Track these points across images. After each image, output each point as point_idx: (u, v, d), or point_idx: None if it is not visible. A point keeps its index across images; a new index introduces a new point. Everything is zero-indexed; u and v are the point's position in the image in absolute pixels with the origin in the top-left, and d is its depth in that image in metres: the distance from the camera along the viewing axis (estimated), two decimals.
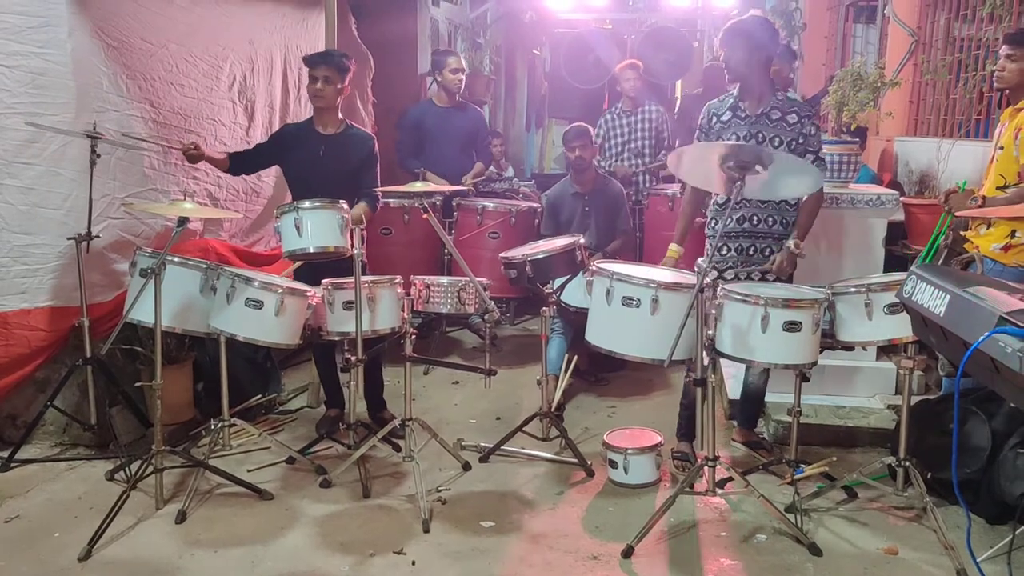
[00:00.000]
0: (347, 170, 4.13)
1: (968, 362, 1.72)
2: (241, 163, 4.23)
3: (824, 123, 5.26)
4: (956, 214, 3.78)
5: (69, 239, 3.76)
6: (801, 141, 3.70)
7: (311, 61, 4.13)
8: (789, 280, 3.77)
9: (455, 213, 5.75)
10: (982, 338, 1.67)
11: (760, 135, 3.70)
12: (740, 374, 4.67)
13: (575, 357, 4.63)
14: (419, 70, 7.14)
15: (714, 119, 3.80)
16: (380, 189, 3.82)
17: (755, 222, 3.77)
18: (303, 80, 5.32)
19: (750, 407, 4.16)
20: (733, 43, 3.70)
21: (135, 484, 3.43)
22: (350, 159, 4.17)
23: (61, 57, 3.73)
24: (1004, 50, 3.63)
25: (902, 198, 4.60)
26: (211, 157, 4.08)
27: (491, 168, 7.11)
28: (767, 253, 3.78)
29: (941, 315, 1.90)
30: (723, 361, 3.49)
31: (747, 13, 3.92)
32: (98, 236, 3.85)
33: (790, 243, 3.65)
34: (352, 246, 3.62)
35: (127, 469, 3.68)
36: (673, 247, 3.85)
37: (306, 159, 4.10)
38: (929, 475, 3.39)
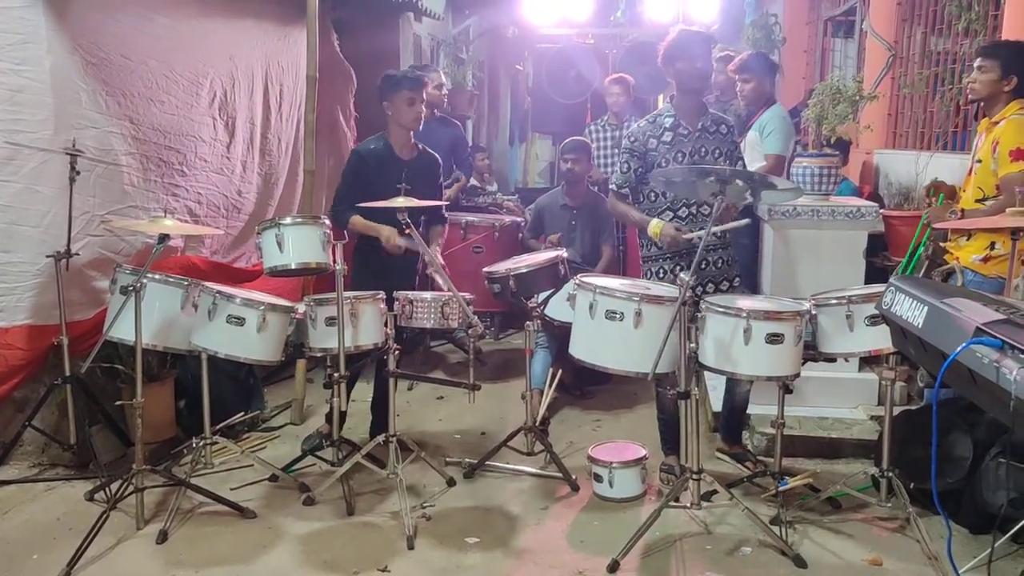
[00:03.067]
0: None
1: (946, 373, 1.74)
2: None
3: (804, 136, 5.31)
4: (934, 226, 3.82)
5: (48, 257, 3.73)
6: (731, 149, 3.89)
7: (417, 83, 4.15)
8: (740, 275, 3.94)
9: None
10: (959, 349, 1.69)
11: (703, 149, 3.82)
12: (723, 386, 4.69)
13: (560, 371, 4.63)
14: None
15: (652, 141, 3.83)
16: (364, 204, 3.79)
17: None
18: (285, 96, 5.34)
19: (734, 419, 4.15)
20: (699, 50, 3.83)
21: (115, 504, 3.39)
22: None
23: (39, 74, 3.70)
24: (977, 62, 3.68)
25: (882, 210, 4.64)
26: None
27: (471, 180, 7.12)
28: (719, 265, 3.88)
29: (919, 326, 1.91)
30: (706, 373, 3.50)
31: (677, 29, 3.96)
32: (77, 254, 3.81)
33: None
34: (335, 262, 3.61)
35: (107, 489, 3.63)
36: (656, 222, 3.74)
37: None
38: (912, 485, 3.40)
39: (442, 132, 6.09)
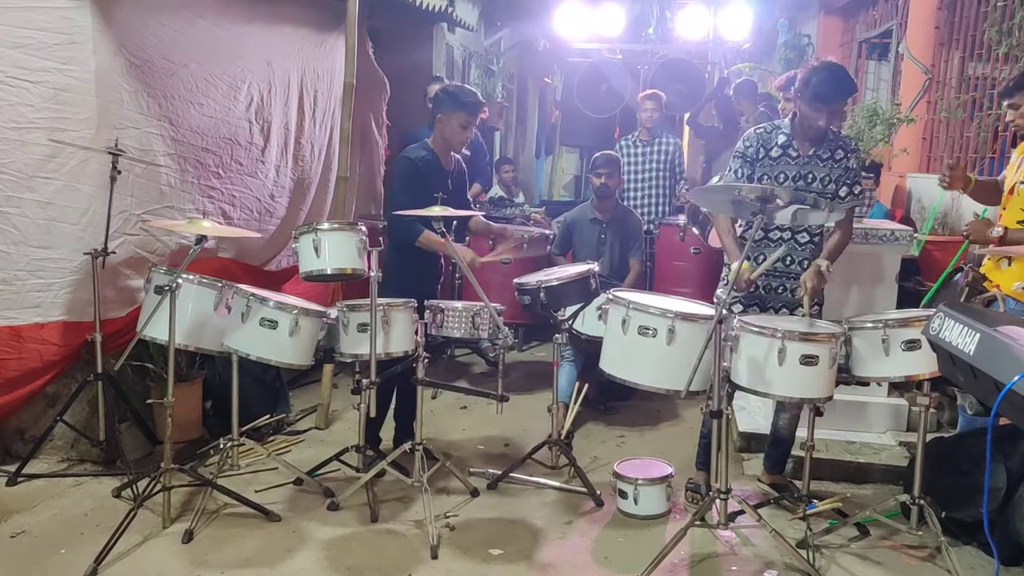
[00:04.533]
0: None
1: (1001, 402, 1.71)
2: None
3: None
4: (975, 245, 3.76)
5: (85, 254, 3.77)
6: (842, 174, 3.69)
7: (476, 109, 4.17)
8: (820, 304, 3.76)
9: (467, 238, 5.75)
10: (1016, 378, 1.66)
11: (810, 175, 3.67)
12: (750, 406, 4.67)
13: (586, 385, 4.61)
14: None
15: (761, 151, 3.71)
16: (401, 213, 3.79)
17: (788, 262, 3.72)
18: (319, 102, 5.38)
19: (779, 451, 4.04)
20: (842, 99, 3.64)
21: (143, 502, 3.41)
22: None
23: (84, 74, 3.75)
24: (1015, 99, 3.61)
25: (916, 234, 4.60)
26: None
27: (494, 190, 7.11)
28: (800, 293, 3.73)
29: (971, 354, 1.89)
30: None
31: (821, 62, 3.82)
32: (114, 252, 3.86)
33: (820, 262, 3.58)
34: (369, 268, 3.62)
35: (134, 486, 3.66)
36: (745, 265, 3.53)
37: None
38: (943, 514, 3.35)
39: None
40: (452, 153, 4.30)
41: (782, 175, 3.70)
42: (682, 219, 6.07)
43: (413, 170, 4.12)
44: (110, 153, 3.70)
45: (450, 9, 6.70)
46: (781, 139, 3.71)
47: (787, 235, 3.73)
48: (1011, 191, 3.65)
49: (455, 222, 4.30)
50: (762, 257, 3.70)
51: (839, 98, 3.60)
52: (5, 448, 4.07)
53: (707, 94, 8.21)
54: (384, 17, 6.31)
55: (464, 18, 7.40)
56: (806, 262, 3.71)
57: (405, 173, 4.15)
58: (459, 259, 3.79)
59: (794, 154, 3.69)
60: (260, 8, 4.78)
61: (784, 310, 3.76)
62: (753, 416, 4.64)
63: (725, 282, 3.80)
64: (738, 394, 3.45)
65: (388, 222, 4.13)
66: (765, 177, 3.70)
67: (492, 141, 8.67)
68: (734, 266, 3.48)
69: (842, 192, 3.69)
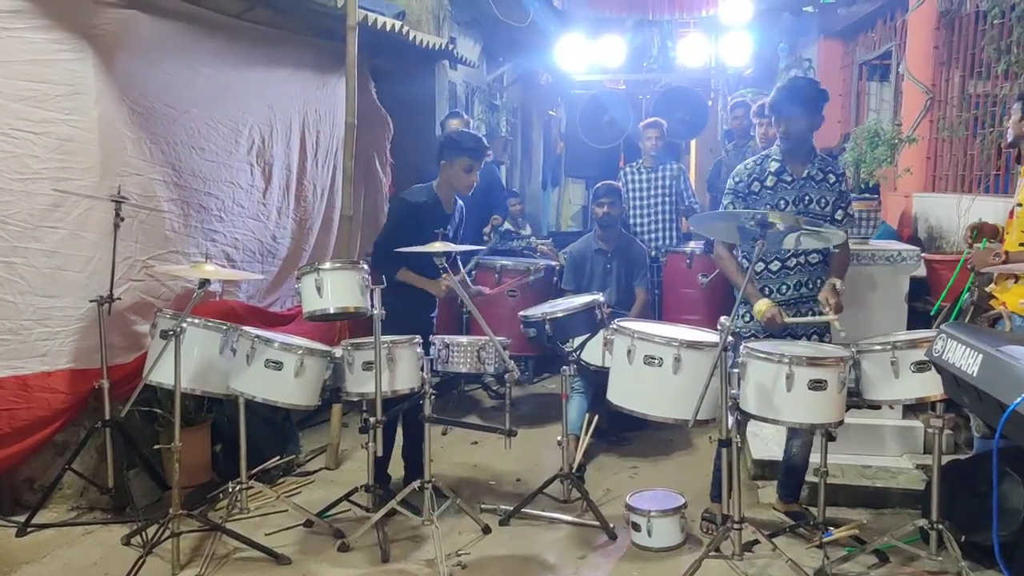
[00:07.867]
0: None
1: (1005, 423, 1.68)
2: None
3: None
4: (979, 271, 3.74)
5: (91, 301, 3.79)
6: (837, 197, 3.74)
7: (478, 153, 4.15)
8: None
9: (473, 272, 5.75)
10: (1020, 399, 1.63)
11: (807, 197, 3.70)
12: (763, 433, 4.61)
13: (596, 416, 4.57)
14: (437, 132, 7.23)
15: (755, 183, 3.70)
16: (405, 250, 3.79)
17: (811, 287, 3.70)
18: (321, 143, 5.43)
19: (793, 478, 3.98)
20: (793, 109, 3.66)
21: (151, 549, 3.39)
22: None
23: (88, 123, 3.80)
24: (1016, 106, 3.64)
25: (924, 254, 4.57)
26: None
27: (505, 223, 7.12)
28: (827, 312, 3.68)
29: (974, 375, 1.86)
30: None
31: (791, 74, 3.91)
32: (119, 298, 3.87)
33: (834, 280, 3.59)
34: (373, 306, 3.62)
35: (144, 533, 3.64)
36: (765, 302, 3.54)
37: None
38: (963, 538, 3.28)
39: None
40: (454, 197, 4.32)
41: (782, 201, 3.70)
42: (690, 246, 6.05)
43: (405, 213, 4.15)
44: (113, 201, 3.73)
45: (451, 47, 6.75)
46: (774, 166, 3.72)
47: (803, 259, 3.70)
48: (1011, 214, 3.64)
49: (455, 258, 4.30)
50: (785, 287, 3.71)
51: (802, 98, 3.66)
52: (15, 498, 4.06)
53: None
54: (386, 56, 6.37)
55: (465, 55, 7.46)
56: (820, 281, 3.70)
57: (398, 214, 4.21)
58: (433, 291, 4.00)
59: (789, 179, 3.71)
60: (260, 52, 4.84)
61: (815, 336, 3.72)
62: (767, 443, 4.58)
63: (748, 317, 3.72)
64: (751, 421, 3.41)
65: (372, 254, 4.18)
66: (767, 207, 3.66)
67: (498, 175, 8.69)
68: (757, 306, 3.52)
69: (838, 216, 3.74)
